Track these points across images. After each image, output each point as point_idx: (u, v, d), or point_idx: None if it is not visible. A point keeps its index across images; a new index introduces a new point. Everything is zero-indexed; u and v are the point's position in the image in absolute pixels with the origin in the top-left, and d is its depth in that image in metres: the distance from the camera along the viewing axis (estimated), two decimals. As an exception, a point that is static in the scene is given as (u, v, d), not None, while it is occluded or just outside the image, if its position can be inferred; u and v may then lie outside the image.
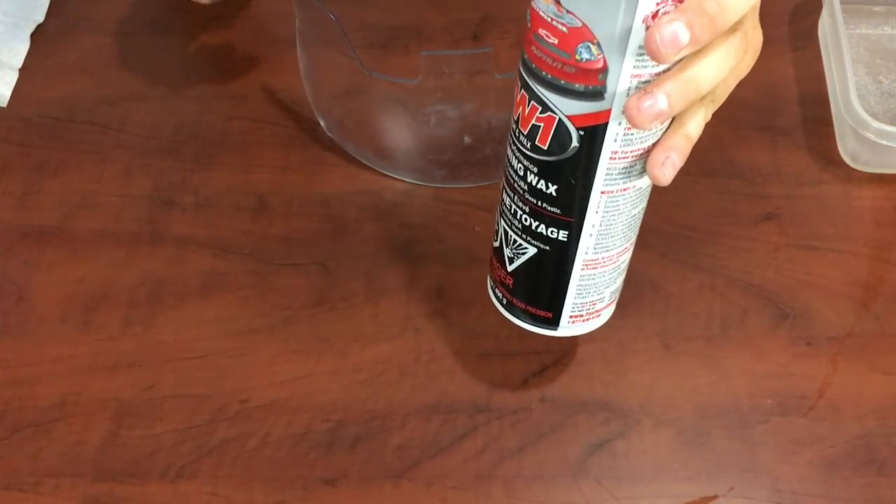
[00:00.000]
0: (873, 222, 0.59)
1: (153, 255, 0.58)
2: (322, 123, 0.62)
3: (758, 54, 0.42)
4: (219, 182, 0.61)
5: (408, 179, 0.60)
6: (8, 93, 0.65)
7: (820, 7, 0.67)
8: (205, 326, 0.55)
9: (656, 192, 0.43)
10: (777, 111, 0.64)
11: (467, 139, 0.57)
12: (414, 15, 0.70)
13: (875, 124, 0.57)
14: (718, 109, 0.42)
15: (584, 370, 0.53)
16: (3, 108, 0.65)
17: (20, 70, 0.67)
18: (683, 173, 0.39)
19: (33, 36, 0.68)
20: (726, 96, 0.41)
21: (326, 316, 0.55)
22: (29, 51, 0.68)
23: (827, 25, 0.65)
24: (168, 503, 0.49)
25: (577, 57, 0.35)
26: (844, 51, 0.61)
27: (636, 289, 0.56)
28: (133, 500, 0.49)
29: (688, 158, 0.39)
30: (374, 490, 0.49)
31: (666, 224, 0.59)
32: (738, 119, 0.63)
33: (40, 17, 0.69)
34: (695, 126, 0.39)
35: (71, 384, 0.53)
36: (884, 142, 0.57)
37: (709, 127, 0.41)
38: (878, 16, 0.68)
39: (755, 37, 0.42)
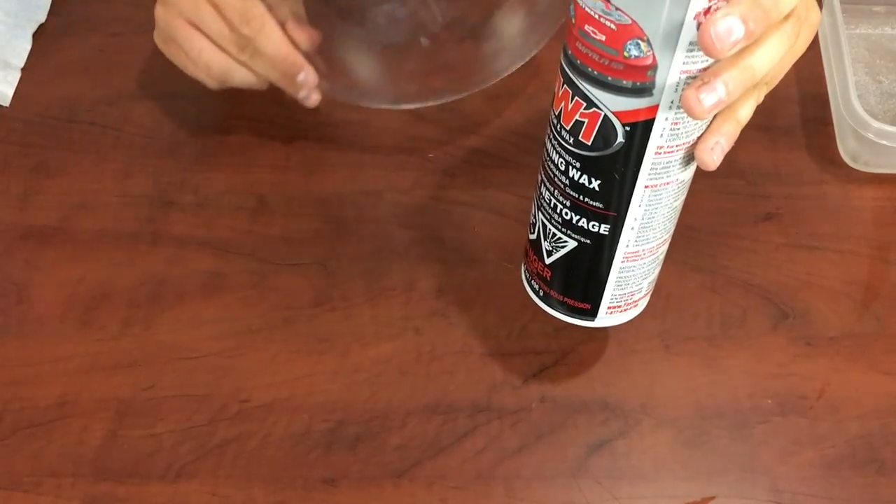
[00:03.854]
0: (873, 222, 0.59)
1: (153, 255, 0.58)
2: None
3: (815, 32, 0.42)
4: (219, 182, 0.61)
5: (386, 106, 0.56)
6: (10, 92, 0.65)
7: (820, 7, 0.67)
8: (205, 326, 0.55)
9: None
10: (777, 111, 0.64)
11: (424, 41, 0.54)
12: (414, 15, 0.70)
13: (875, 124, 0.57)
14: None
15: (584, 370, 0.53)
16: (5, 107, 0.65)
17: (21, 70, 0.67)
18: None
19: (35, 36, 0.68)
20: (781, 77, 0.41)
21: (326, 316, 0.55)
22: (30, 50, 0.68)
23: (827, 25, 0.65)
24: (168, 503, 0.49)
25: (626, 54, 0.35)
26: (844, 51, 0.61)
27: (636, 289, 0.56)
28: (133, 500, 0.49)
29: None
30: (374, 490, 0.49)
31: (666, 224, 0.59)
32: (739, 119, 0.63)
33: (42, 17, 0.69)
34: (746, 111, 0.38)
35: (71, 384, 0.53)
36: (884, 142, 0.57)
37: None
38: (878, 16, 0.68)
39: (811, 15, 0.41)
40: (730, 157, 0.63)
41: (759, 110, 0.64)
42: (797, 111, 0.64)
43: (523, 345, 0.54)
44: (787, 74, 0.66)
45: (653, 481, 0.49)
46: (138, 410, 0.52)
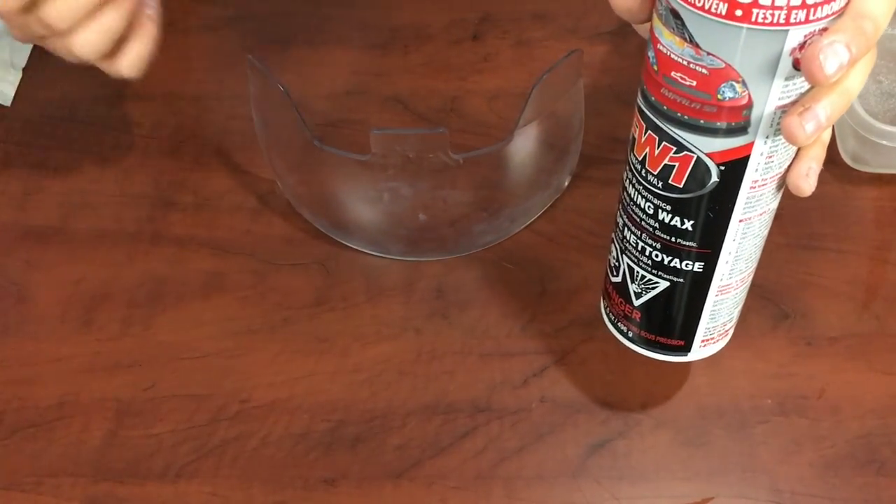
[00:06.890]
0: (873, 222, 0.59)
1: (153, 255, 0.58)
2: (278, 184, 0.60)
3: None
4: (219, 182, 0.61)
5: (364, 250, 0.58)
6: (11, 92, 0.65)
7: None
8: (205, 326, 0.55)
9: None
10: (777, 111, 0.64)
11: (422, 217, 0.56)
12: (414, 15, 0.70)
13: (876, 125, 0.57)
14: None
15: (584, 370, 0.53)
16: (6, 107, 0.65)
17: (23, 70, 0.67)
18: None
19: (34, 36, 0.68)
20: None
21: (326, 316, 0.55)
22: (32, 50, 0.68)
23: (827, 25, 0.65)
24: (168, 503, 0.49)
25: (720, 96, 0.34)
26: (845, 51, 0.60)
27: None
28: (133, 500, 0.49)
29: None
30: (374, 490, 0.49)
31: (666, 224, 0.59)
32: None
33: (41, 18, 0.69)
34: (827, 132, 0.39)
35: (71, 384, 0.53)
36: (884, 142, 0.57)
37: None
38: (878, 16, 0.68)
39: None
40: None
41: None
42: (797, 111, 0.64)
43: (523, 345, 0.54)
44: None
45: (653, 481, 0.49)
46: (138, 410, 0.52)
